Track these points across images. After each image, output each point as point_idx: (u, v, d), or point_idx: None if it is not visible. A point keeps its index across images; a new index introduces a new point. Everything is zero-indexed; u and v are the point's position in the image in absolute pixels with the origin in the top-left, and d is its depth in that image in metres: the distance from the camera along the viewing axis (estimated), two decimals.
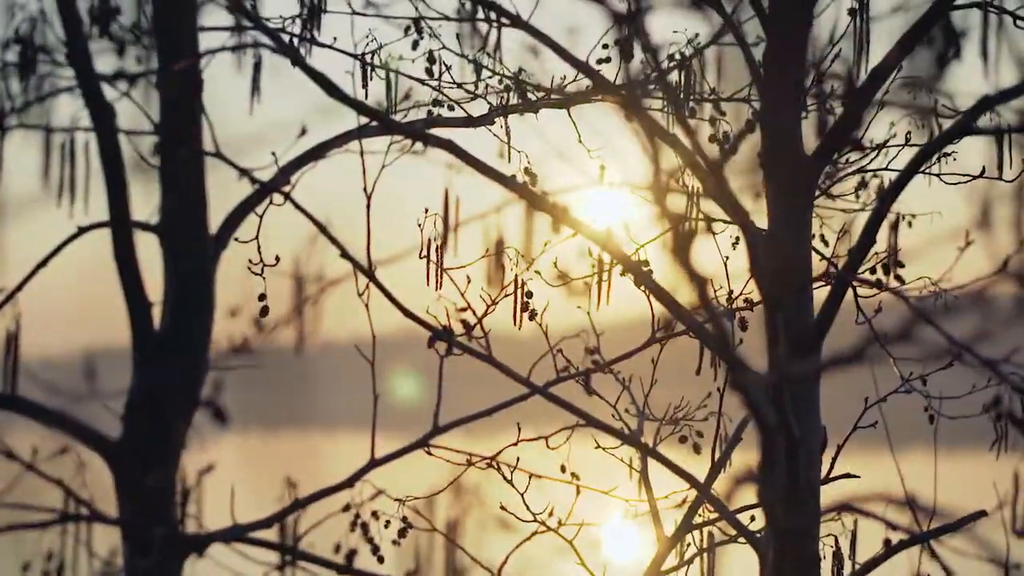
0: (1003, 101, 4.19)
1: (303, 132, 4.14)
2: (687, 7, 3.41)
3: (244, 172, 4.10)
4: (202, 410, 3.10)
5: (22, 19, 3.83)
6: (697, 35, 5.46)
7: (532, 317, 5.00)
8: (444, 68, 5.02)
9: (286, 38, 4.55)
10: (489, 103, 5.18)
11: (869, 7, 5.08)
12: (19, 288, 4.22)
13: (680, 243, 2.61)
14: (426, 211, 4.82)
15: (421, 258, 4.77)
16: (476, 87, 5.11)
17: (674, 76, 5.39)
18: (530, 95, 5.20)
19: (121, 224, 4.02)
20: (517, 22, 4.44)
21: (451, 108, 5.23)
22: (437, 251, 4.83)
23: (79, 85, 3.78)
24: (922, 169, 4.43)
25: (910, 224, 5.15)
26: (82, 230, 4.19)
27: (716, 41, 5.44)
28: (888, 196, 4.16)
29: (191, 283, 4.07)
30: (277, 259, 4.42)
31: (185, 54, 3.86)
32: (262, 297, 4.49)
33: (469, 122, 5.05)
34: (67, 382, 3.80)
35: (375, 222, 4.46)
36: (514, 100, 5.21)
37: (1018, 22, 4.55)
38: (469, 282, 4.74)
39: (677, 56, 5.40)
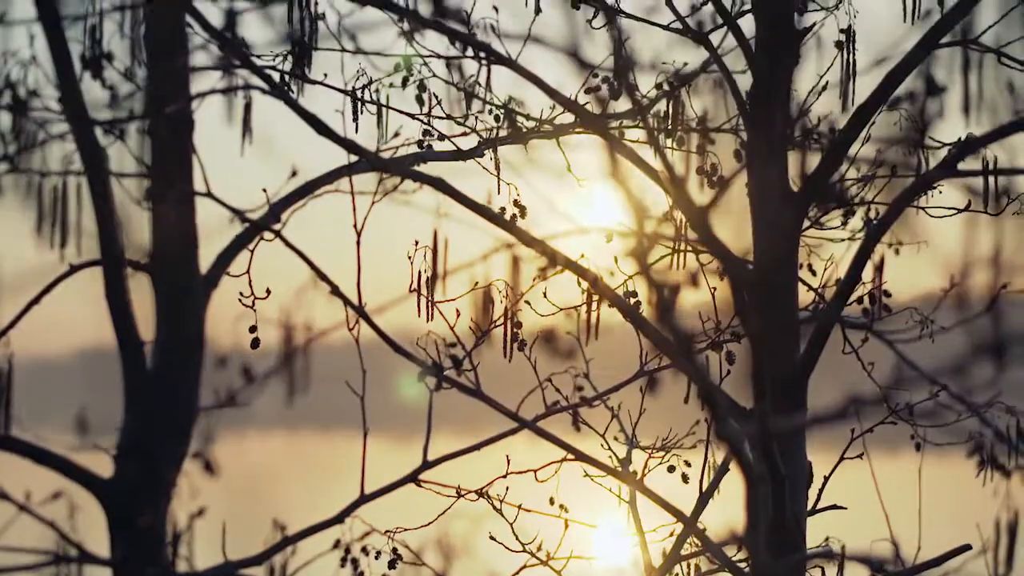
0: (986, 144, 4.25)
1: (294, 173, 4.18)
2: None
3: (235, 212, 4.13)
4: (192, 461, 3.14)
5: (13, 63, 3.86)
6: (686, 64, 5.48)
7: (521, 347, 5.04)
8: (435, 100, 5.05)
9: (276, 75, 4.57)
10: (479, 135, 5.21)
11: (855, 40, 5.12)
12: (11, 325, 4.26)
13: (662, 306, 2.65)
14: (416, 243, 4.86)
15: (411, 292, 4.80)
16: (466, 118, 5.14)
17: (662, 105, 5.42)
18: (520, 123, 5.23)
19: (112, 264, 4.05)
20: (506, 61, 4.48)
21: (441, 139, 5.26)
22: (427, 283, 4.86)
23: (72, 131, 3.82)
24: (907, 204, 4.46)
25: (897, 251, 5.18)
26: (74, 268, 4.23)
27: (705, 70, 5.47)
28: (873, 235, 4.21)
29: (182, 323, 4.11)
30: (268, 292, 4.46)
31: (177, 97, 3.89)
32: (253, 329, 4.52)
33: (459, 155, 5.09)
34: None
35: (367, 260, 4.52)
36: (503, 132, 5.24)
37: (1003, 59, 4.58)
38: (459, 316, 4.78)
39: (665, 86, 5.42)
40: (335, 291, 4.51)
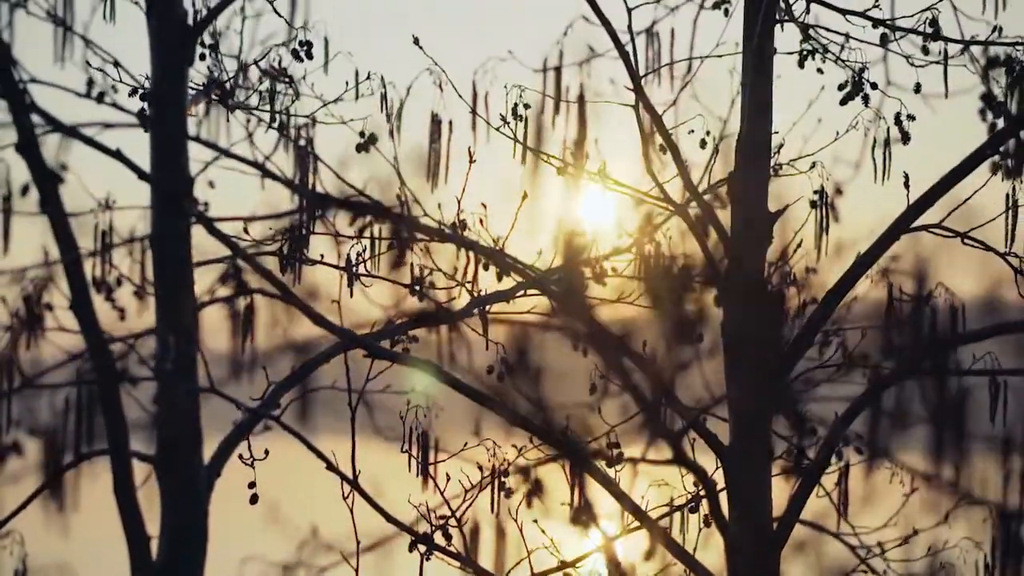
0: (953, 345, 4.46)
1: (293, 370, 4.40)
2: None
3: (238, 405, 4.37)
4: None
5: (28, 282, 4.07)
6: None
7: (508, 495, 5.23)
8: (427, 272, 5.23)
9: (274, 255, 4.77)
10: (468, 291, 5.40)
11: (828, 200, 5.31)
12: (19, 510, 4.45)
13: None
14: (408, 403, 5.07)
15: (403, 452, 5.00)
16: (453, 278, 5.33)
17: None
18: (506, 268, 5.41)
19: (120, 459, 4.25)
20: (493, 255, 4.72)
21: (434, 285, 5.45)
22: (418, 442, 5.07)
23: (88, 348, 4.01)
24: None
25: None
26: (82, 457, 4.43)
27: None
28: (836, 434, 4.42)
29: (186, 515, 4.32)
30: (266, 452, 4.67)
31: (183, 308, 4.11)
32: (252, 485, 4.73)
33: (448, 318, 5.28)
34: None
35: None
36: (489, 282, 5.42)
37: (966, 241, 4.75)
38: (448, 480, 4.99)
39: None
40: (330, 467, 4.75)
